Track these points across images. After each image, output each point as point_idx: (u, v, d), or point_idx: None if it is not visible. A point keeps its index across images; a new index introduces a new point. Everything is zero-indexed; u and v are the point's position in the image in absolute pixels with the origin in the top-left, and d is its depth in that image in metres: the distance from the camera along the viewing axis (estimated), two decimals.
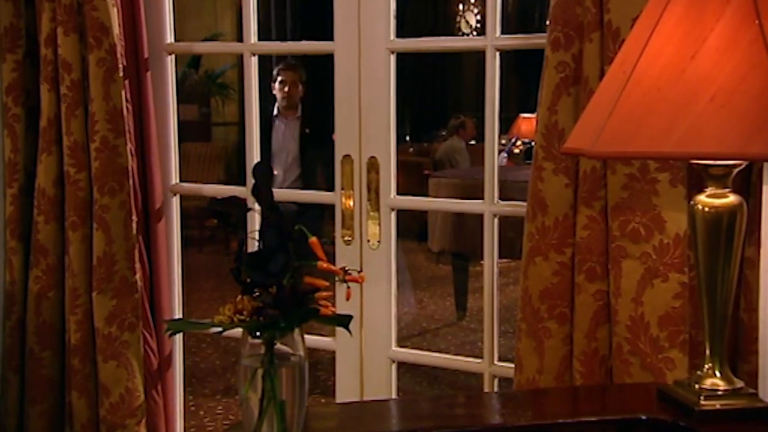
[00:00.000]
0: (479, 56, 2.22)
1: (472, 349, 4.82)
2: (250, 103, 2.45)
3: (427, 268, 6.68)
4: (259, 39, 2.48)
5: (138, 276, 2.34)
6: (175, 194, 2.53)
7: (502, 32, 2.17)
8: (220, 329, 1.19)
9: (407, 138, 9.05)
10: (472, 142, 7.25)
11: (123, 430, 2.32)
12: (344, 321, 1.28)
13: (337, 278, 1.26)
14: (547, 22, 1.88)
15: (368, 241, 2.38)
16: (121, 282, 2.31)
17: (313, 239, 1.21)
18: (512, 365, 2.05)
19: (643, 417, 1.45)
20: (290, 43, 4.12)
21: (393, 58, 2.32)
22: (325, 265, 1.23)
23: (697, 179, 1.61)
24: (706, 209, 1.41)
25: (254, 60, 2.42)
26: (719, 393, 1.42)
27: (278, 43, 3.84)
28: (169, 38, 2.46)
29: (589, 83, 1.80)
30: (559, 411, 1.66)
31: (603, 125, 1.29)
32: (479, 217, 2.28)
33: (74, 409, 2.33)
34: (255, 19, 2.42)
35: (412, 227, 6.44)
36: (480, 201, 2.26)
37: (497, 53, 2.15)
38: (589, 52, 1.80)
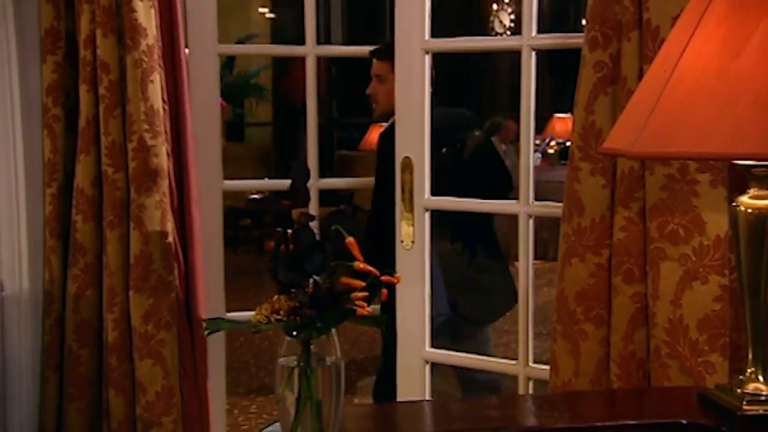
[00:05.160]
0: (513, 56, 2.21)
1: (505, 351, 4.78)
2: (312, 106, 2.55)
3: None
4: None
5: (174, 275, 2.36)
6: (219, 193, 2.54)
7: (537, 32, 2.16)
8: (257, 328, 1.20)
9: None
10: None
11: (159, 428, 2.34)
12: (380, 321, 1.28)
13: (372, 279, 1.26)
14: (584, 22, 1.87)
15: (402, 241, 2.38)
16: (158, 281, 2.33)
17: (350, 239, 1.21)
18: (546, 367, 2.03)
19: (684, 421, 1.43)
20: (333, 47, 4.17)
21: (428, 58, 2.32)
22: (361, 265, 1.23)
23: (738, 180, 1.58)
24: (749, 211, 1.39)
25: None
26: (762, 398, 1.40)
27: (333, 46, 3.88)
28: (213, 39, 2.48)
29: (627, 83, 1.78)
30: (597, 414, 1.64)
31: (643, 125, 1.28)
32: (513, 218, 2.27)
33: (111, 407, 2.35)
34: (314, 21, 2.48)
35: (445, 228, 6.40)
36: (515, 201, 2.25)
37: (533, 53, 2.14)
38: (628, 51, 1.78)
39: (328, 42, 9.14)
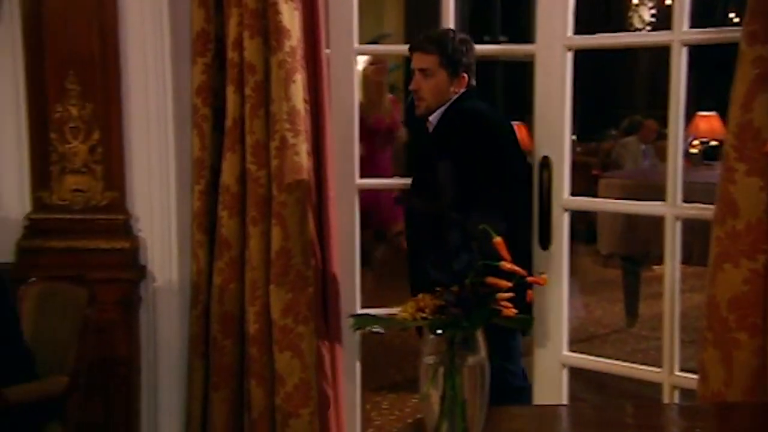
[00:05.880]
0: (652, 52, 2.14)
1: (644, 358, 4.62)
2: None
3: (594, 271, 6.48)
4: None
5: (312, 271, 2.40)
6: (355, 191, 2.56)
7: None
8: (404, 326, 1.20)
9: (575, 137, 8.83)
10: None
11: (297, 419, 2.39)
12: (525, 323, 1.26)
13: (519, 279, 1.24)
14: (731, 15, 1.78)
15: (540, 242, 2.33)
16: (297, 276, 2.38)
17: (498, 239, 1.20)
18: (692, 376, 1.95)
19: None
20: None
21: (570, 55, 2.27)
22: (509, 265, 1.21)
23: None
24: None
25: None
26: None
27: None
28: (353, 40, 2.51)
29: None
30: (751, 427, 1.56)
31: None
32: (653, 220, 2.19)
33: (252, 397, 2.42)
34: (452, 20, 2.49)
35: (579, 229, 6.25)
36: (661, 203, 2.16)
37: (684, 48, 2.05)
38: None
39: None
